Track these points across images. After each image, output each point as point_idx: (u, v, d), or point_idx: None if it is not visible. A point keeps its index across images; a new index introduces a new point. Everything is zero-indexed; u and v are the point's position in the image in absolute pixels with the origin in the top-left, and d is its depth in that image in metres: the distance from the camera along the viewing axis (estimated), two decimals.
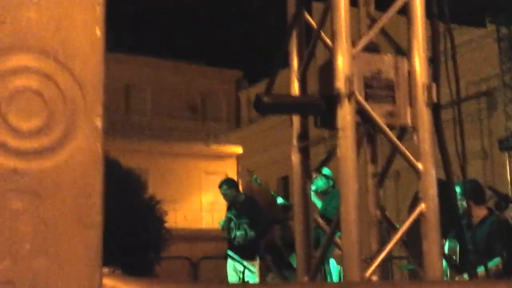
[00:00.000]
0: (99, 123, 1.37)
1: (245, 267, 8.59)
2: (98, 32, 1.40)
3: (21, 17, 1.34)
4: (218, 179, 9.56)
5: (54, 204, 1.32)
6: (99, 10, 1.40)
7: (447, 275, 5.66)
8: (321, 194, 8.14)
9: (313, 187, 8.23)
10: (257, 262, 8.92)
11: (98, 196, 1.35)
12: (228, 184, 9.17)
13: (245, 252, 8.75)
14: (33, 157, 1.32)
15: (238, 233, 8.71)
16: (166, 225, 25.68)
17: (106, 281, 1.39)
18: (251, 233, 8.73)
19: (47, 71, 1.35)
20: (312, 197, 7.51)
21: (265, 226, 9.26)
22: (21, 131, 1.32)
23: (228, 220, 8.91)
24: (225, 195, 9.19)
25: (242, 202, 9.03)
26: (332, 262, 7.82)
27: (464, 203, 5.10)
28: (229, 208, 9.24)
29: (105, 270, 1.43)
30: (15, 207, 1.30)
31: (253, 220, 8.79)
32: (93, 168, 1.36)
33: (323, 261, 3.37)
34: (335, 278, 8.04)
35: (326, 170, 7.66)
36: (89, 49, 1.39)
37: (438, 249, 2.96)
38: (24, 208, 1.30)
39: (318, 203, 7.97)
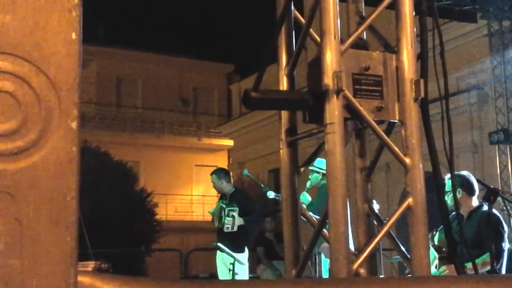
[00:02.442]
0: (74, 125, 1.38)
1: (235, 259, 8.62)
2: (74, 35, 1.40)
3: None
4: (209, 172, 9.61)
5: (29, 204, 1.32)
6: (75, 14, 1.40)
7: (436, 267, 5.72)
8: (316, 189, 8.20)
9: (307, 184, 8.29)
10: (246, 255, 8.95)
11: (73, 196, 1.36)
12: (217, 175, 9.22)
13: (234, 244, 8.77)
14: (8, 159, 1.33)
15: (226, 219, 8.75)
16: (157, 217, 25.65)
17: (83, 279, 1.39)
18: (240, 220, 8.77)
19: (22, 74, 1.35)
20: (301, 195, 7.51)
21: (257, 218, 9.29)
22: None
23: (220, 209, 8.93)
24: (213, 184, 9.29)
25: (231, 194, 9.09)
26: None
27: (458, 195, 5.18)
28: (221, 198, 9.32)
29: (91, 264, 1.44)
30: None
31: (242, 210, 8.82)
32: (68, 168, 1.36)
33: (311, 254, 3.40)
34: (324, 271, 8.08)
35: (318, 162, 7.57)
36: (64, 52, 1.38)
37: (425, 243, 3.00)
38: None
39: (306, 200, 7.99)
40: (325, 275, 7.89)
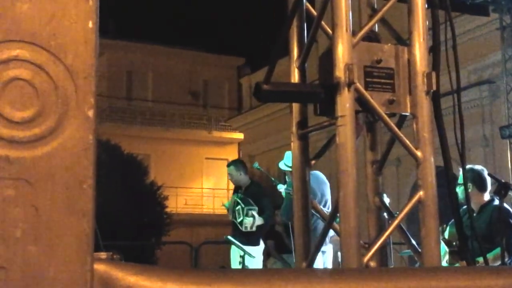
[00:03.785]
0: (91, 113, 1.40)
1: (245, 252, 8.61)
2: (91, 24, 1.42)
3: (14, 9, 1.36)
4: (219, 165, 9.60)
5: (45, 192, 1.34)
6: (92, 3, 1.42)
7: (446, 261, 5.70)
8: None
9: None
10: (260, 248, 8.89)
11: (89, 184, 1.38)
12: (235, 166, 9.04)
13: (250, 237, 8.72)
14: (25, 146, 1.35)
15: (246, 220, 8.63)
16: (167, 210, 25.75)
17: (98, 266, 1.40)
18: (260, 220, 8.68)
19: (39, 62, 1.37)
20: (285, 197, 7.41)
21: (272, 213, 9.20)
22: (13, 120, 1.35)
23: (234, 203, 8.84)
24: (230, 176, 9.17)
25: (247, 186, 8.98)
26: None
27: (469, 190, 5.17)
28: (235, 191, 9.21)
29: (103, 254, 1.45)
30: (7, 194, 1.32)
31: (257, 205, 8.74)
32: (85, 157, 1.38)
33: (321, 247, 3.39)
34: None
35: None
36: (81, 41, 1.40)
37: (436, 236, 2.99)
38: (16, 195, 1.33)
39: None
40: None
